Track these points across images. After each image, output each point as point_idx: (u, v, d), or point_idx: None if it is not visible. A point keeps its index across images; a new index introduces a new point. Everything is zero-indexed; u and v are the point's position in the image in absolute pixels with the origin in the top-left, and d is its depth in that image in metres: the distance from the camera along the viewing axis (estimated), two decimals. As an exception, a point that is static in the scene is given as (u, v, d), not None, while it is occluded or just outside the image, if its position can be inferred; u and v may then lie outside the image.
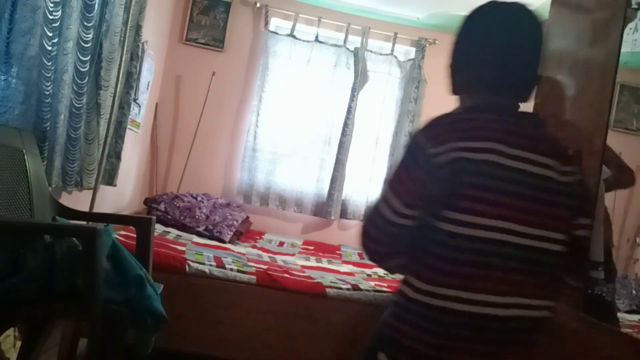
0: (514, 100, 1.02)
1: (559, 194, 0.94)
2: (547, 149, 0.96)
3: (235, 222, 3.35)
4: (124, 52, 2.60)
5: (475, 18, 1.10)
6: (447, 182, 0.89)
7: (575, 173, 0.97)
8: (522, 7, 1.04)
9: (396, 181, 0.96)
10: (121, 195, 3.36)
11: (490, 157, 0.89)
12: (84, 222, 1.96)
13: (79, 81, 2.20)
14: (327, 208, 3.96)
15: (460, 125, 0.94)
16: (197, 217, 3.26)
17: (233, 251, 2.87)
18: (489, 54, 1.02)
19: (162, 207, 3.26)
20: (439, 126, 0.96)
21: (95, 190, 2.53)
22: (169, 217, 3.21)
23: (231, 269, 2.38)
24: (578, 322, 1.64)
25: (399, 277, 1.05)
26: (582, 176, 0.98)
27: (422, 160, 0.92)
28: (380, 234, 0.97)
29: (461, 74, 1.06)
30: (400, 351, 0.92)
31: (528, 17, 1.03)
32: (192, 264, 2.34)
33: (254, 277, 2.36)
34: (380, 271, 3.07)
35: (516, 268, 0.90)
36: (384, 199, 0.97)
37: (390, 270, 1.04)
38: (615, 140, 1.76)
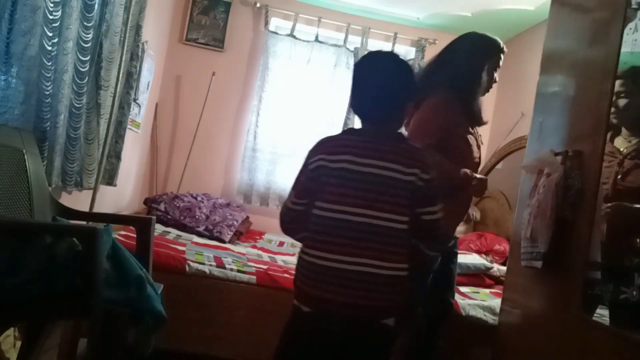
0: (378, 126, 1.37)
1: (399, 189, 1.30)
2: (394, 158, 1.31)
3: (235, 222, 3.35)
4: (124, 52, 2.60)
5: (359, 64, 1.46)
6: (315, 181, 1.35)
7: (417, 175, 1.30)
8: (390, 56, 1.45)
9: (294, 180, 1.41)
10: (121, 195, 3.36)
11: (343, 165, 1.31)
12: (84, 222, 1.96)
13: (79, 81, 2.20)
14: (327, 208, 3.95)
15: (329, 144, 1.37)
16: (197, 217, 3.26)
17: (233, 251, 2.87)
18: (361, 92, 1.42)
19: (162, 207, 3.26)
20: (317, 144, 1.39)
21: (95, 190, 2.53)
22: (169, 217, 3.21)
23: (231, 269, 2.38)
24: (578, 321, 1.65)
25: None
26: (427, 177, 1.31)
27: (304, 167, 1.38)
28: (285, 216, 1.44)
29: (351, 107, 1.46)
30: (296, 290, 1.38)
31: (394, 63, 1.39)
32: (192, 264, 2.34)
33: (254, 277, 2.36)
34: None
35: (358, 237, 1.29)
36: (289, 192, 1.43)
37: (300, 241, 1.42)
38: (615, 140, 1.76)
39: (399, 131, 1.40)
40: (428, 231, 1.36)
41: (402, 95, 1.38)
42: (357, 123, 1.46)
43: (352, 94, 1.44)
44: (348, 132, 1.49)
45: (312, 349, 1.38)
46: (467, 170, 1.82)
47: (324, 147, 1.36)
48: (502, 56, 2.02)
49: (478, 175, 1.86)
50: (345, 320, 1.30)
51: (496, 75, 2.04)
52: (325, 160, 1.33)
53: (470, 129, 1.97)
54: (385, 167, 1.30)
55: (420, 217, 1.33)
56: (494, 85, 2.10)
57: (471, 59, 1.96)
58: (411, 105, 1.44)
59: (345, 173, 1.31)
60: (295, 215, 1.41)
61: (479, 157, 2.01)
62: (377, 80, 1.38)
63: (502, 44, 2.02)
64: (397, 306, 1.33)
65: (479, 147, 2.00)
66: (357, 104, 1.43)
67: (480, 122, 2.01)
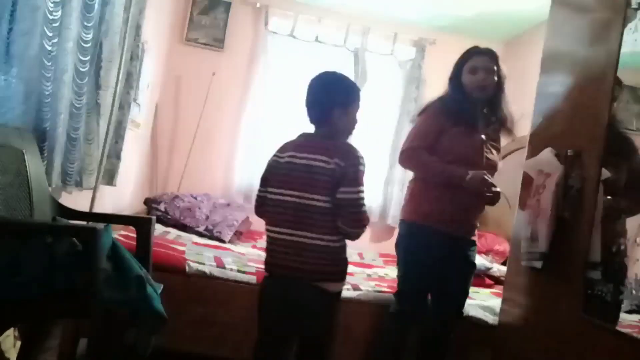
0: (317, 128, 1.77)
1: (323, 175, 1.61)
2: (320, 152, 1.64)
3: (235, 222, 3.35)
4: (124, 52, 2.60)
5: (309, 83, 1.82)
6: (269, 172, 1.76)
7: (337, 164, 1.61)
8: (327, 73, 1.85)
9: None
10: (121, 195, 3.35)
11: (288, 159, 1.70)
12: (84, 222, 1.96)
13: (79, 81, 2.20)
14: (327, 208, 3.96)
15: (282, 145, 1.80)
16: (197, 217, 3.26)
17: (233, 251, 2.87)
18: (306, 102, 1.81)
19: (162, 207, 3.26)
20: (281, 146, 1.82)
21: (95, 190, 2.53)
22: (169, 217, 3.21)
23: (231, 269, 2.38)
24: (578, 321, 1.65)
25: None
26: (344, 165, 1.61)
27: (268, 162, 1.79)
28: (256, 202, 1.81)
29: None
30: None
31: (324, 79, 1.81)
32: (192, 264, 2.34)
33: (254, 277, 2.36)
34: (381, 271, 3.07)
35: (294, 214, 1.63)
36: None
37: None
38: (615, 140, 1.76)
39: (335, 131, 1.72)
40: (343, 207, 1.61)
41: (326, 103, 1.72)
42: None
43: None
44: (300, 135, 1.82)
45: (271, 307, 1.72)
46: (458, 170, 2.01)
47: (279, 148, 1.80)
48: (476, 57, 2.15)
49: (472, 172, 2.00)
50: (287, 282, 1.67)
51: (480, 74, 2.12)
52: (277, 157, 1.75)
53: (465, 128, 2.09)
54: (315, 159, 1.63)
55: (336, 195, 1.61)
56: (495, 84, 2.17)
57: (453, 70, 2.21)
58: (340, 110, 1.72)
59: (288, 165, 1.69)
60: (261, 200, 1.78)
61: (474, 152, 2.10)
62: (311, 93, 1.79)
63: (475, 48, 2.20)
64: (328, 271, 1.66)
65: (475, 143, 2.11)
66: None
67: (462, 120, 2.10)
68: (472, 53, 2.17)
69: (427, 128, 2.12)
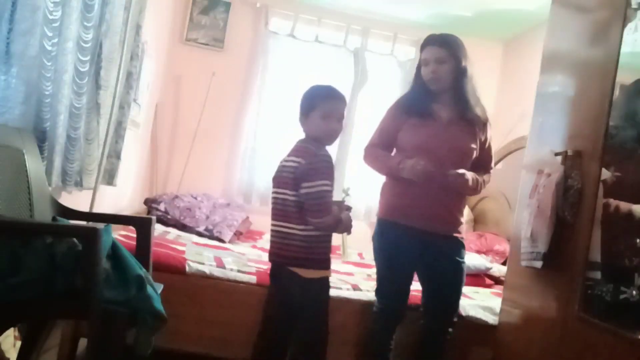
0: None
1: (287, 172, 1.82)
2: (292, 152, 1.86)
3: (235, 222, 3.35)
4: (124, 52, 2.60)
5: None
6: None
7: (298, 162, 1.79)
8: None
9: None
10: (121, 195, 3.35)
11: (281, 164, 1.90)
12: (84, 222, 1.96)
13: (79, 81, 2.20)
14: (327, 208, 3.96)
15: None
16: (197, 217, 3.26)
17: (233, 251, 2.87)
18: None
19: (162, 207, 3.26)
20: None
21: (95, 190, 2.53)
22: (169, 217, 3.21)
23: (231, 269, 2.38)
24: (578, 321, 1.65)
25: None
26: (304, 162, 1.77)
27: None
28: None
29: None
30: None
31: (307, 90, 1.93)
32: (192, 264, 2.34)
33: (254, 277, 2.36)
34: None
35: (275, 208, 1.87)
36: None
37: None
38: (615, 140, 1.76)
39: (308, 136, 1.88)
40: (305, 200, 1.77)
41: (300, 110, 1.90)
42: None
43: None
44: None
45: (269, 292, 2.14)
46: (398, 161, 2.06)
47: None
48: (427, 48, 2.13)
49: (406, 160, 2.00)
50: (272, 266, 1.93)
51: (430, 65, 2.10)
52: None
53: (421, 119, 2.10)
54: (287, 159, 1.85)
55: (299, 190, 1.77)
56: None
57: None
58: (302, 118, 1.90)
59: (279, 166, 1.92)
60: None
61: (433, 141, 2.06)
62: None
63: (427, 38, 2.16)
64: (300, 257, 1.79)
65: (434, 132, 2.08)
66: None
67: (415, 112, 2.12)
68: (424, 45, 2.16)
69: (382, 126, 2.21)
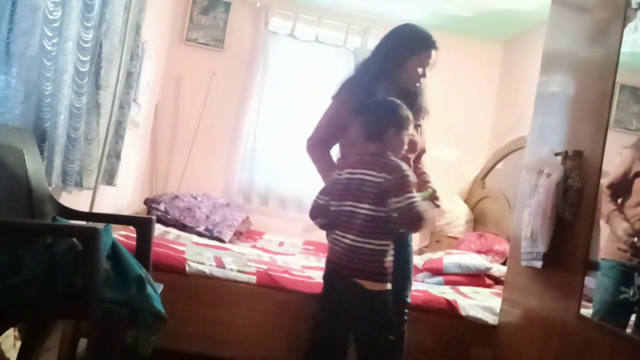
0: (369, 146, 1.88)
1: (370, 188, 1.79)
2: (370, 167, 1.81)
3: (235, 222, 3.35)
4: (124, 52, 2.60)
5: None
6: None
7: (384, 178, 1.76)
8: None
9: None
10: (121, 195, 3.35)
11: (345, 176, 1.88)
12: (84, 222, 1.96)
13: (79, 81, 2.20)
14: (327, 208, 3.96)
15: (343, 162, 1.99)
16: (197, 217, 3.26)
17: (233, 251, 2.87)
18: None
19: (162, 207, 3.26)
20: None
21: (95, 190, 2.53)
22: (169, 217, 3.21)
23: (231, 269, 2.38)
24: (578, 321, 1.65)
25: None
26: (390, 179, 1.75)
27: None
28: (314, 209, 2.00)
29: None
30: None
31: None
32: (192, 264, 2.34)
33: (254, 277, 2.36)
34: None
35: (350, 221, 1.82)
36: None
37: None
38: (615, 140, 1.76)
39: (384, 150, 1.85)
40: (399, 214, 1.75)
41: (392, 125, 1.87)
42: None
43: None
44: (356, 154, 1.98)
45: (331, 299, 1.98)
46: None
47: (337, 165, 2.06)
48: (432, 51, 2.03)
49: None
50: (332, 275, 1.91)
51: (424, 69, 2.05)
52: (337, 174, 1.94)
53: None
54: (366, 173, 1.81)
55: (389, 206, 1.76)
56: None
57: (387, 54, 2.06)
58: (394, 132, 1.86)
59: (345, 180, 1.88)
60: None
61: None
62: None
63: (429, 39, 2.04)
64: (371, 270, 1.79)
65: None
66: None
67: None
68: (429, 46, 2.08)
69: (331, 119, 2.18)
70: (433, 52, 2.04)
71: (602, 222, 1.67)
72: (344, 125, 2.06)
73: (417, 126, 2.14)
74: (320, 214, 1.96)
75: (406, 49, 2.03)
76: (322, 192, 1.97)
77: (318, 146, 2.19)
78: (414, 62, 2.02)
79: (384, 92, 2.02)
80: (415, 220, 1.75)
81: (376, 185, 1.78)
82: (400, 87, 2.05)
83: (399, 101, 1.89)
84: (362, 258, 1.80)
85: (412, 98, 2.09)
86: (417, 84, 2.08)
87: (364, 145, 1.89)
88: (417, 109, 2.11)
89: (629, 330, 1.60)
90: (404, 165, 1.81)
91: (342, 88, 2.16)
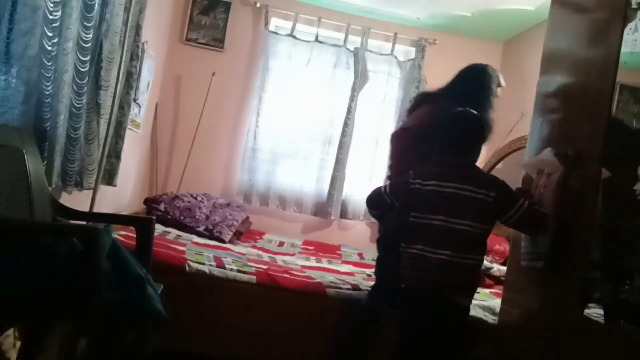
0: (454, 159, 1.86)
1: (474, 204, 1.76)
2: (465, 182, 1.78)
3: (235, 222, 3.35)
4: (124, 52, 2.60)
5: None
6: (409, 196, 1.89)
7: (485, 194, 1.76)
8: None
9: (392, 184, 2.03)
10: (121, 195, 3.35)
11: (431, 188, 1.82)
12: (84, 222, 1.96)
13: (79, 81, 2.20)
14: (327, 208, 3.96)
15: (424, 171, 1.87)
16: (197, 217, 3.26)
17: (233, 251, 2.87)
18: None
19: (162, 207, 3.26)
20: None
21: (95, 190, 2.53)
22: (169, 217, 3.21)
23: (231, 269, 2.38)
24: (578, 322, 1.65)
25: None
26: (494, 195, 1.75)
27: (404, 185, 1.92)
28: (374, 202, 2.04)
29: None
30: None
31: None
32: (192, 264, 2.34)
33: (254, 277, 2.36)
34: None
35: (446, 237, 1.78)
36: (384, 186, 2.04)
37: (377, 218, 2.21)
38: (615, 140, 1.76)
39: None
40: (520, 224, 1.82)
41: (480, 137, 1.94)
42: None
43: None
44: (439, 163, 1.93)
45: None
46: None
47: (420, 174, 1.90)
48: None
49: None
50: (412, 292, 1.85)
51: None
52: (419, 185, 1.86)
53: None
54: (460, 187, 1.78)
55: (505, 222, 1.83)
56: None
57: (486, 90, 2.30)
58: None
59: (431, 192, 1.82)
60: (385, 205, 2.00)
61: None
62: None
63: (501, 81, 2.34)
64: (466, 286, 1.80)
65: None
66: None
67: None
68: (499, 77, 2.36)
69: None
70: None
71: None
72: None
73: None
74: (380, 207, 2.01)
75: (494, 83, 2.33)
76: (391, 191, 1.94)
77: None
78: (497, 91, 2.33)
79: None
80: (539, 221, 1.75)
81: (478, 201, 1.75)
82: None
83: (475, 112, 1.90)
84: (460, 273, 1.76)
85: None
86: None
87: (446, 156, 1.85)
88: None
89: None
90: (497, 177, 1.83)
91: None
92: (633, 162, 1.72)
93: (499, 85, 2.33)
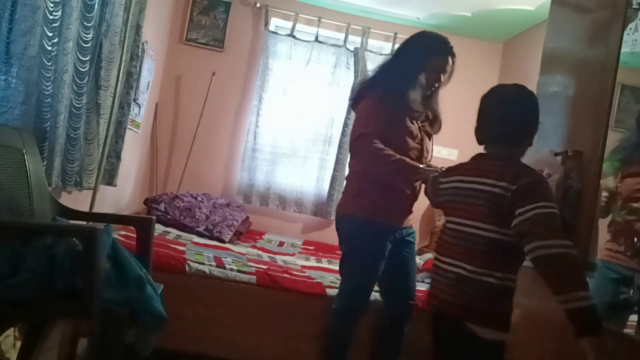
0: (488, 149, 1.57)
1: (487, 199, 1.42)
2: (488, 174, 1.44)
3: (235, 222, 3.35)
4: (124, 52, 2.60)
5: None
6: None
7: (506, 187, 1.38)
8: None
9: None
10: (121, 195, 3.36)
11: (453, 184, 1.57)
12: (84, 222, 1.96)
13: (79, 81, 2.20)
14: (327, 208, 3.96)
15: (454, 167, 1.65)
16: (197, 217, 3.26)
17: (233, 251, 2.87)
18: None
19: (162, 207, 3.26)
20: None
21: (95, 190, 2.53)
22: (169, 217, 3.21)
23: (231, 269, 2.38)
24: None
25: None
26: (515, 187, 1.37)
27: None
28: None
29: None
30: None
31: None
32: (192, 264, 2.34)
33: (254, 277, 2.36)
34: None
35: (460, 244, 1.49)
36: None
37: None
38: (616, 141, 1.76)
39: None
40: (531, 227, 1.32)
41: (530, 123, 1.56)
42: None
43: None
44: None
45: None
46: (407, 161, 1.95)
47: (446, 171, 1.70)
48: (449, 58, 2.06)
49: (422, 166, 1.98)
50: (436, 316, 1.56)
51: (440, 75, 2.08)
52: (444, 183, 1.64)
53: (409, 122, 2.06)
54: (481, 182, 1.47)
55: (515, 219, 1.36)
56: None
57: (408, 55, 2.08)
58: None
59: (454, 190, 1.58)
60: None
61: (421, 146, 2.10)
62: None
63: (447, 44, 2.07)
64: (487, 311, 1.40)
65: (421, 137, 2.11)
66: None
67: (413, 116, 2.08)
68: (447, 53, 2.07)
69: (376, 116, 2.02)
70: (450, 59, 2.08)
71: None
72: (386, 124, 2.00)
73: (430, 136, 2.22)
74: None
75: (424, 50, 2.06)
76: (425, 191, 1.76)
77: (374, 139, 1.97)
78: (430, 64, 2.05)
79: (413, 92, 2.04)
80: (564, 254, 1.27)
81: (495, 197, 1.39)
82: (421, 91, 2.10)
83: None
84: (476, 295, 1.40)
85: (433, 109, 2.18)
86: (433, 88, 2.12)
87: (486, 146, 1.54)
88: (436, 120, 2.20)
89: (630, 331, 1.60)
90: (534, 170, 1.46)
91: (370, 88, 2.10)
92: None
93: (441, 54, 2.05)
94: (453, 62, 2.09)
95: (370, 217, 2.03)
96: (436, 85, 2.11)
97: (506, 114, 1.50)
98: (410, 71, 2.04)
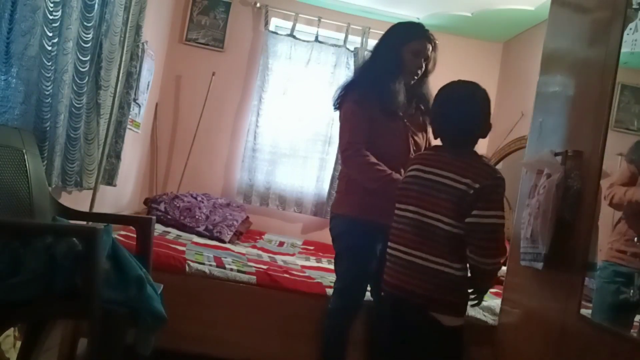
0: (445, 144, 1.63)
1: (446, 194, 1.49)
2: (450, 168, 1.51)
3: (235, 222, 3.35)
4: (124, 52, 2.60)
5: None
6: None
7: (468, 185, 1.46)
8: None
9: None
10: (121, 195, 3.36)
11: (411, 173, 1.62)
12: (84, 222, 1.96)
13: (79, 81, 2.20)
14: (327, 208, 3.96)
15: (415, 157, 1.74)
16: (197, 217, 3.26)
17: (233, 251, 2.87)
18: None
19: (162, 207, 3.26)
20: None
21: (95, 190, 2.53)
22: (169, 217, 3.21)
23: (231, 269, 2.38)
24: (578, 321, 1.65)
25: None
26: (479, 185, 1.45)
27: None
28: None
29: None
30: None
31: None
32: (192, 264, 2.34)
33: (254, 277, 2.36)
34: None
35: (419, 234, 1.55)
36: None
37: None
38: (616, 140, 1.76)
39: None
40: (474, 233, 1.47)
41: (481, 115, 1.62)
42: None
43: None
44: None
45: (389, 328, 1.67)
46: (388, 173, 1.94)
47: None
48: (426, 43, 2.05)
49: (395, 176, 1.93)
50: (395, 302, 1.61)
51: (421, 60, 2.06)
52: (406, 171, 1.72)
53: (392, 119, 2.03)
54: (442, 175, 1.53)
55: (466, 220, 1.48)
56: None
57: (384, 48, 2.06)
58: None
59: (413, 179, 1.63)
60: None
61: (407, 144, 2.06)
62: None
63: (421, 28, 2.06)
64: (447, 301, 1.51)
65: (408, 134, 2.07)
66: None
67: (397, 110, 2.03)
68: (421, 35, 2.05)
69: (356, 123, 2.03)
70: (427, 44, 2.05)
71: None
72: (369, 128, 1.99)
73: (423, 128, 2.17)
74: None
75: (398, 38, 2.04)
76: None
77: (363, 149, 1.98)
78: (407, 51, 2.03)
79: (392, 87, 2.00)
80: (498, 247, 1.47)
81: (456, 193, 1.46)
82: (405, 83, 2.06)
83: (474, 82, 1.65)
84: (440, 285, 1.49)
85: (423, 98, 2.13)
86: (416, 76, 2.09)
87: (441, 140, 1.61)
88: (428, 109, 2.12)
89: (633, 332, 1.60)
90: (497, 171, 1.51)
91: (350, 90, 2.10)
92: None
93: (417, 37, 2.02)
94: (433, 48, 2.07)
95: (360, 215, 2.02)
96: (419, 71, 2.08)
97: (458, 111, 1.59)
98: (389, 64, 2.02)
